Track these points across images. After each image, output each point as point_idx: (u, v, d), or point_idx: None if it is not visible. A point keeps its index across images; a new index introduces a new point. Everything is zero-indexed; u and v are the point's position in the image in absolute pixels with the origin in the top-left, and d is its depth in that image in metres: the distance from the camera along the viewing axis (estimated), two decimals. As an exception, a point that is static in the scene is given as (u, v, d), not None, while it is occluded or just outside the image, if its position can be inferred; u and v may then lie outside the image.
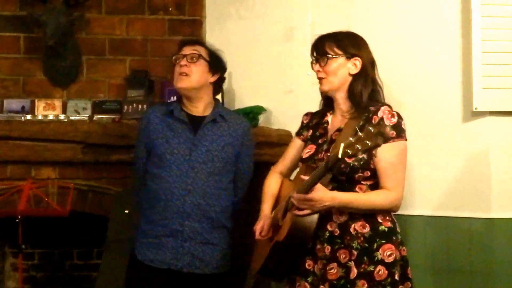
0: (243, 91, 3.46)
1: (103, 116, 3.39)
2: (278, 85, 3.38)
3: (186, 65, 2.77)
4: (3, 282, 3.74)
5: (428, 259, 3.02)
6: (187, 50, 2.80)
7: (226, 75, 3.44)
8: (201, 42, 2.92)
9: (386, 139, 2.13)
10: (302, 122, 2.60)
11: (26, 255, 3.47)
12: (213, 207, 2.76)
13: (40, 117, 3.34)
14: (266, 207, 2.57)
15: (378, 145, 2.02)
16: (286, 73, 3.37)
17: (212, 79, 2.82)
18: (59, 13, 3.33)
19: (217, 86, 2.88)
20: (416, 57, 3.05)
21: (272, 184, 2.62)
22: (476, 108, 2.92)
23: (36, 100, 3.41)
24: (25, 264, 3.40)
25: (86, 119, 3.37)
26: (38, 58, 3.46)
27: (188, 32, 3.56)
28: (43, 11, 3.33)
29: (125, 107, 3.43)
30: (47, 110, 3.39)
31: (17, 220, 3.06)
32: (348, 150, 2.05)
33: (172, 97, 3.39)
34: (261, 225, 2.52)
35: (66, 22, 3.34)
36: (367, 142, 2.02)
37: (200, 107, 2.82)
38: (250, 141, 2.91)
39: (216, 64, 2.84)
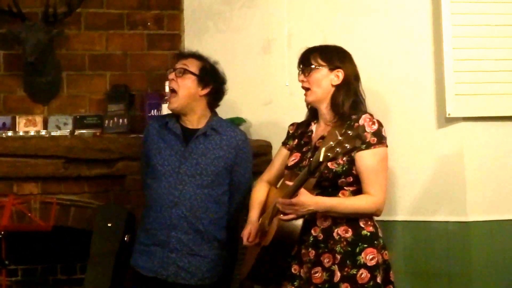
0: (223, 103, 3.44)
1: (84, 131, 3.42)
2: (257, 96, 3.43)
3: (173, 79, 2.80)
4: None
5: (406, 263, 3.08)
6: (178, 64, 2.84)
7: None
8: (195, 55, 2.90)
9: (368, 145, 2.22)
10: (288, 132, 2.68)
11: (9, 272, 3.44)
12: (201, 219, 2.78)
13: (21, 133, 3.36)
14: (253, 214, 2.63)
15: (356, 147, 2.11)
16: (264, 84, 3.43)
17: (203, 92, 2.83)
18: (38, 30, 3.35)
19: (213, 98, 2.88)
20: (391, 66, 3.12)
21: (259, 192, 2.68)
22: (449, 114, 3.00)
23: (17, 117, 3.43)
24: (8, 280, 3.38)
25: (67, 134, 3.39)
26: (18, 75, 3.49)
27: (167, 46, 3.61)
28: (23, 28, 3.36)
29: (106, 121, 3.46)
30: (28, 126, 3.41)
31: (-1, 236, 3.06)
32: (329, 154, 2.13)
33: (152, 111, 3.43)
34: (248, 231, 2.58)
35: (45, 38, 3.37)
36: (346, 145, 2.10)
37: (194, 120, 2.84)
38: (246, 153, 2.90)
39: (207, 77, 2.83)
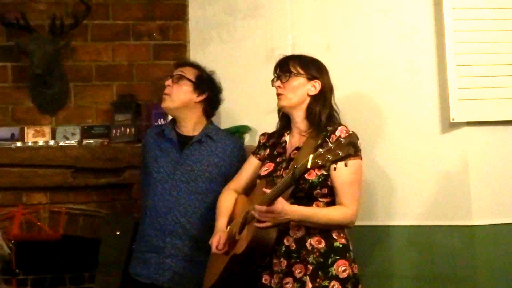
0: (228, 111, 3.53)
1: (91, 141, 3.46)
2: (261, 104, 3.44)
3: (169, 85, 2.86)
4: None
5: (412, 269, 3.08)
6: (176, 72, 2.91)
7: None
8: (192, 64, 3.00)
9: (357, 150, 2.20)
10: (259, 142, 2.69)
11: (18, 282, 3.47)
12: (195, 225, 2.81)
13: (30, 144, 3.39)
14: (221, 222, 2.60)
15: (350, 155, 2.09)
16: (268, 92, 3.43)
17: (198, 99, 2.88)
18: (45, 42, 3.40)
19: (208, 106, 2.93)
20: (394, 72, 3.14)
21: (226, 200, 2.67)
22: (453, 119, 3.01)
23: (25, 127, 3.47)
24: (18, 290, 3.41)
25: (75, 144, 3.43)
26: (26, 87, 3.53)
27: (172, 56, 3.64)
28: (30, 40, 3.40)
29: (113, 131, 3.50)
30: (36, 137, 3.45)
31: (10, 245, 3.09)
32: (318, 161, 2.11)
33: (159, 120, 3.47)
34: (217, 239, 2.54)
35: (52, 50, 3.41)
36: (339, 152, 2.08)
37: (189, 127, 2.88)
38: (241, 162, 2.90)
39: (203, 84, 2.90)
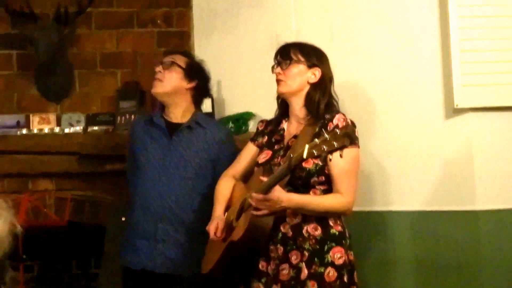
0: (232, 98, 3.55)
1: (96, 128, 3.47)
2: (266, 91, 3.42)
3: (160, 71, 2.87)
4: (3, 296, 3.78)
5: (416, 254, 3.08)
6: (166, 59, 2.91)
7: (215, 83, 3.57)
8: (182, 52, 3.00)
9: (353, 139, 2.19)
10: (257, 129, 2.69)
11: (25, 268, 3.51)
12: (186, 211, 2.82)
13: (35, 131, 3.41)
14: (219, 209, 2.61)
15: (345, 146, 2.08)
16: (273, 79, 3.43)
17: (188, 85, 2.89)
18: (50, 30, 3.41)
19: (197, 94, 2.93)
20: (398, 59, 3.13)
21: (224, 187, 2.67)
22: (457, 105, 3.01)
23: (30, 115, 3.49)
24: (24, 276, 3.44)
25: (80, 131, 3.44)
26: (31, 75, 3.54)
27: (176, 44, 3.65)
28: (35, 28, 3.41)
29: (118, 118, 3.51)
30: (41, 124, 3.47)
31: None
32: (314, 151, 2.10)
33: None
34: (215, 226, 2.54)
35: (57, 38, 3.42)
36: (334, 143, 2.07)
37: (178, 114, 2.89)
38: (229, 149, 2.93)
39: (192, 72, 2.90)
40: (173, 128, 2.88)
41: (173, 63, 2.87)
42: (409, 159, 3.08)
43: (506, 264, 3.01)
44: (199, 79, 2.93)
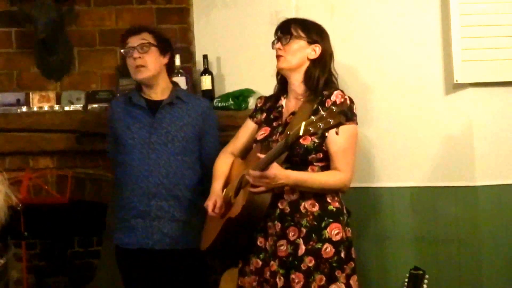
0: (232, 75, 3.54)
1: (96, 106, 3.47)
2: (265, 68, 3.40)
3: (139, 57, 2.83)
4: (7, 273, 3.82)
5: (416, 229, 3.11)
6: (135, 41, 2.85)
7: (214, 60, 3.57)
8: (144, 28, 2.94)
9: (348, 118, 2.19)
10: (256, 105, 2.69)
11: (28, 245, 3.53)
12: (178, 185, 2.84)
13: (35, 109, 3.41)
14: (217, 185, 2.62)
15: (341, 124, 2.08)
16: (272, 56, 3.41)
17: (165, 60, 2.89)
18: (49, 7, 3.38)
19: (170, 66, 2.94)
20: (398, 34, 3.13)
21: (223, 163, 2.68)
22: (457, 81, 3.01)
23: (30, 93, 3.47)
24: (27, 254, 3.47)
25: (80, 109, 3.44)
26: (30, 52, 3.52)
27: (176, 21, 3.61)
28: (33, 6, 3.38)
29: (118, 95, 3.51)
30: (41, 102, 3.46)
31: (18, 209, 3.13)
32: (310, 128, 2.09)
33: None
34: (213, 202, 2.56)
35: (56, 15, 3.39)
36: (330, 120, 2.07)
37: (158, 92, 2.89)
38: (212, 121, 2.96)
39: (165, 45, 2.90)
40: (154, 106, 2.88)
41: (147, 44, 2.84)
42: (408, 135, 3.09)
43: (504, 239, 3.04)
44: (171, 51, 2.93)
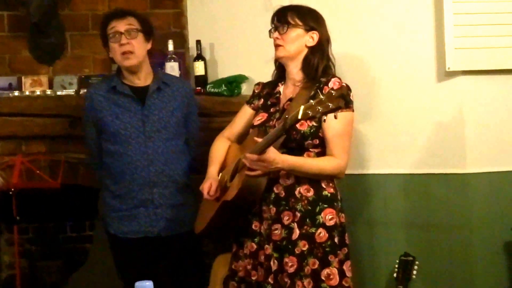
0: (226, 61, 3.54)
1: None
2: (259, 54, 3.42)
3: (128, 43, 2.79)
4: (-1, 257, 3.83)
5: (408, 216, 3.14)
6: (121, 26, 2.80)
7: (207, 45, 3.57)
8: (128, 12, 2.88)
9: (347, 102, 2.20)
10: (254, 91, 2.69)
11: (20, 230, 3.53)
12: (176, 170, 2.85)
13: (27, 93, 3.40)
14: (213, 169, 2.64)
15: (340, 108, 2.09)
16: (266, 42, 3.41)
17: (149, 46, 2.86)
18: (41, -10, 3.38)
19: (151, 51, 2.90)
20: (390, 21, 3.13)
21: (219, 147, 2.69)
22: (449, 68, 3.02)
23: (23, 77, 3.46)
24: (19, 238, 3.47)
25: (73, 93, 3.43)
26: (23, 36, 3.50)
27: (170, 6, 3.60)
28: (26, -11, 3.39)
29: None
30: (34, 87, 3.45)
31: (10, 193, 3.14)
32: (309, 112, 2.11)
33: (156, 69, 3.45)
34: (208, 185, 2.58)
35: (49, -1, 3.40)
36: (329, 104, 2.08)
37: (142, 78, 2.87)
38: (194, 101, 3.01)
39: (149, 30, 2.87)
40: (140, 93, 2.85)
41: (134, 30, 2.80)
42: (400, 122, 3.10)
43: (495, 225, 3.07)
44: (154, 35, 2.89)
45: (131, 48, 2.79)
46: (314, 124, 2.42)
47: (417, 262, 2.74)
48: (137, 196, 2.83)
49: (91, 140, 2.96)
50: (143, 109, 2.83)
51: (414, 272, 2.72)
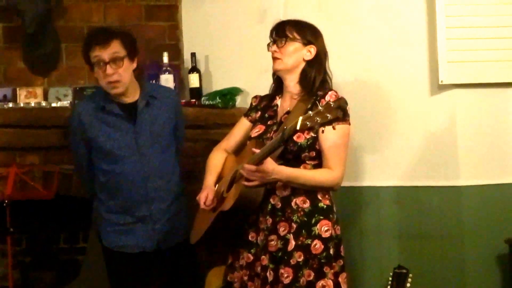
0: (220, 73, 3.56)
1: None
2: (253, 66, 3.46)
3: (114, 73, 2.70)
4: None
5: (401, 227, 3.16)
6: (105, 54, 2.68)
7: (202, 58, 3.59)
8: (111, 34, 2.73)
9: (345, 114, 2.21)
10: (251, 104, 2.71)
11: (13, 241, 3.51)
12: (171, 181, 2.85)
13: (22, 105, 3.39)
14: (210, 179, 2.64)
15: (338, 118, 2.12)
16: (261, 53, 3.41)
17: (134, 65, 2.78)
18: (37, 1, 3.35)
19: (137, 67, 2.82)
20: (384, 34, 3.17)
21: (216, 158, 2.70)
22: (442, 81, 3.05)
23: (17, 89, 3.46)
24: (12, 249, 3.45)
25: (67, 105, 3.44)
26: (17, 47, 3.51)
27: (164, 17, 3.62)
28: None
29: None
30: (28, 98, 3.44)
31: (4, 204, 3.13)
32: (307, 123, 2.13)
33: (150, 81, 3.47)
34: (205, 195, 2.58)
35: (44, 9, 3.38)
36: (327, 115, 2.10)
37: (130, 95, 2.80)
38: (180, 108, 3.00)
39: (134, 50, 2.77)
40: (129, 109, 2.80)
41: (122, 58, 2.70)
42: (393, 134, 3.13)
43: (488, 237, 3.10)
44: (138, 53, 2.81)
45: (118, 77, 2.71)
46: (312, 135, 2.44)
47: (410, 275, 2.75)
48: (135, 213, 2.81)
49: (81, 156, 2.92)
50: (135, 127, 2.81)
51: (408, 284, 2.73)
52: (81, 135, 2.85)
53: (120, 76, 2.72)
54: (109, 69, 2.70)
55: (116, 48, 2.71)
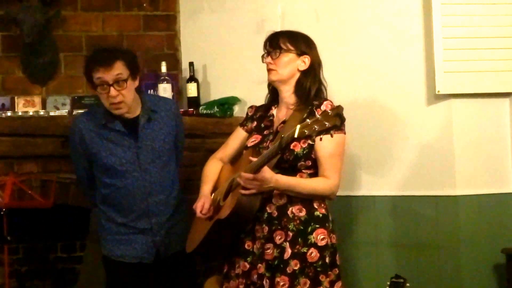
0: (218, 82, 3.57)
1: (82, 111, 3.46)
2: (251, 75, 3.46)
3: (118, 94, 2.69)
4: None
5: (397, 236, 3.16)
6: (109, 77, 2.67)
7: (200, 67, 3.60)
8: (115, 55, 2.70)
9: (342, 123, 2.22)
10: (247, 114, 2.73)
11: (10, 250, 3.51)
12: (171, 195, 2.86)
13: (20, 113, 3.40)
14: (206, 188, 2.65)
15: (336, 126, 2.13)
16: (258, 63, 3.43)
17: (137, 83, 2.77)
18: (35, 11, 3.39)
19: (139, 83, 2.82)
20: (381, 44, 3.18)
21: (212, 168, 2.71)
22: (438, 91, 3.07)
23: (15, 97, 3.47)
24: (9, 258, 3.45)
25: (65, 114, 3.44)
26: (16, 56, 3.53)
27: (163, 27, 3.65)
28: (20, 9, 3.40)
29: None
30: (27, 107, 3.46)
31: (1, 213, 3.13)
32: (305, 130, 2.15)
33: (149, 91, 3.49)
34: (201, 204, 2.59)
35: (42, 19, 3.41)
36: (325, 122, 2.12)
37: (131, 111, 2.79)
38: (180, 118, 2.98)
39: (136, 67, 2.75)
40: (131, 125, 2.80)
41: (125, 80, 2.68)
42: (390, 144, 3.14)
43: (484, 246, 3.10)
44: (139, 71, 2.80)
45: (121, 98, 2.71)
46: (308, 144, 2.45)
47: (408, 284, 2.74)
48: (136, 226, 2.82)
49: (82, 169, 2.93)
50: (136, 142, 2.81)
51: (405, 294, 2.72)
52: (83, 150, 2.87)
53: (124, 97, 2.71)
54: (113, 91, 2.69)
55: (119, 69, 2.69)
